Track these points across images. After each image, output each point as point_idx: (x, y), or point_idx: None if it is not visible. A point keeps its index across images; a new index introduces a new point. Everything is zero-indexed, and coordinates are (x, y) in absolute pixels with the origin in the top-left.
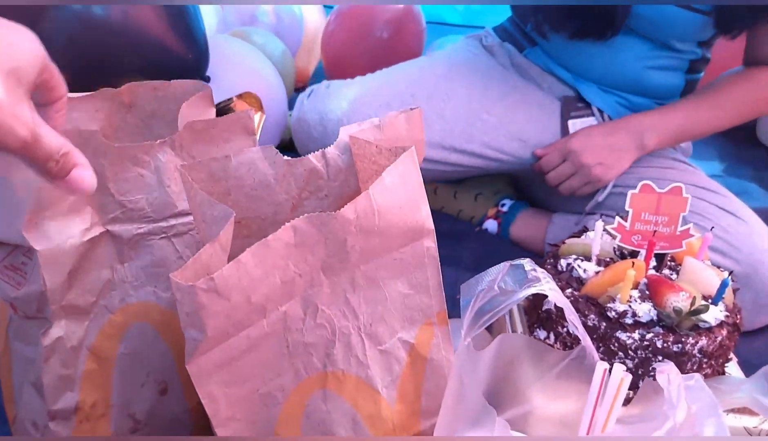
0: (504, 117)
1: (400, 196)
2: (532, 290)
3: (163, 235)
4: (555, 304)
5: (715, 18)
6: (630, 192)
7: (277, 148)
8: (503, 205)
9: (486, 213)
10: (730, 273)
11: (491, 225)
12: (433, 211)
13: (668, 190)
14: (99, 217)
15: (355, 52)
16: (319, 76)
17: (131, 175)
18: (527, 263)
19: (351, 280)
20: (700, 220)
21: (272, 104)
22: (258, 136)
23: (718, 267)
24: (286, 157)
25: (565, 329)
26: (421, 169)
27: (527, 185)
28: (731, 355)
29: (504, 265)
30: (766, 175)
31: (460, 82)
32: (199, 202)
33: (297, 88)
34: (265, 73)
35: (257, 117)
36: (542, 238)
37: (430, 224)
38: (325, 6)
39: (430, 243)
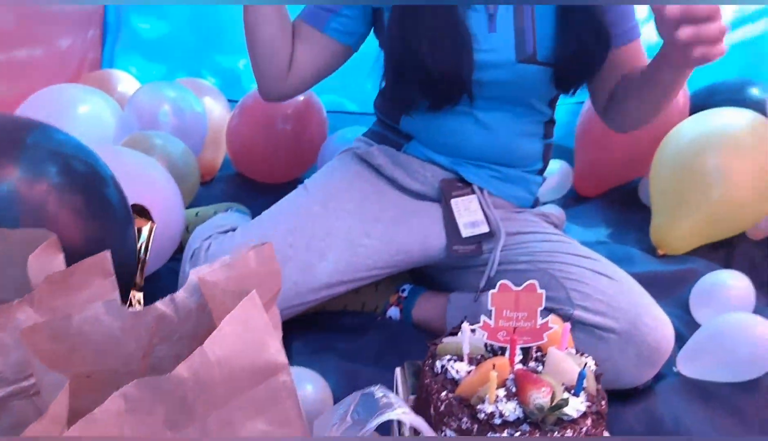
0: (384, 236)
1: (243, 341)
2: (384, 418)
3: (23, 395)
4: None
5: (554, 75)
6: (490, 292)
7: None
8: (403, 290)
9: (388, 300)
10: (586, 364)
11: (394, 312)
12: (336, 311)
13: (524, 287)
14: None
15: (259, 145)
16: (226, 166)
17: None
18: (378, 390)
19: (202, 429)
20: (578, 285)
21: (168, 211)
22: (150, 245)
23: (601, 329)
24: (131, 309)
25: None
26: (310, 301)
27: (420, 271)
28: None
29: (356, 395)
30: (647, 237)
31: (336, 215)
32: (37, 368)
33: (204, 181)
34: (159, 182)
35: (147, 227)
36: (443, 318)
37: (282, 359)
38: (229, 100)
39: (286, 377)
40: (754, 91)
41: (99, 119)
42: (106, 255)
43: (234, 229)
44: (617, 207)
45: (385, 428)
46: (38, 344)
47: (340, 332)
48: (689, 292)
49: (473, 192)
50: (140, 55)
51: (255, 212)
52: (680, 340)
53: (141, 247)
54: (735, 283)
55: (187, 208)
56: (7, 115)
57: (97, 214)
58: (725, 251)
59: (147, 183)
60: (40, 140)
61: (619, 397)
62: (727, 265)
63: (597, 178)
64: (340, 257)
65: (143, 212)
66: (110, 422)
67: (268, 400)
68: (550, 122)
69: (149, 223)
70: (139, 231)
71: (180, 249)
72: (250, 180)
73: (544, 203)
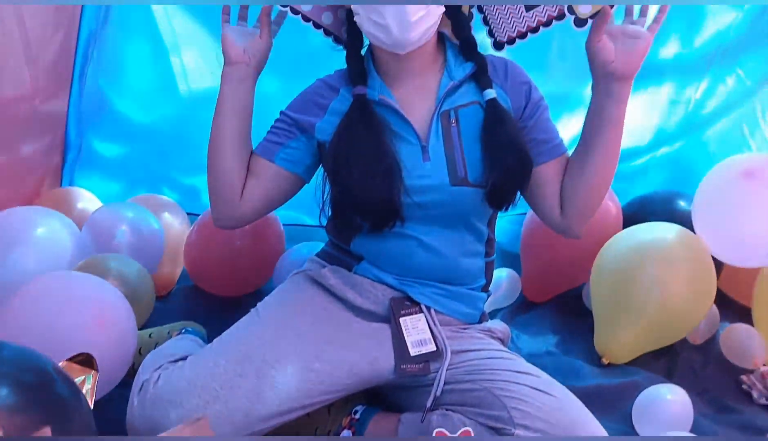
0: (335, 359)
1: None
2: None
3: None
4: None
5: (485, 195)
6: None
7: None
8: (356, 412)
9: (341, 423)
10: None
11: (347, 435)
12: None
13: (459, 433)
14: None
15: (216, 259)
16: (184, 278)
17: None
18: None
19: None
20: (519, 403)
21: (120, 334)
22: (92, 396)
23: None
24: None
25: None
26: (262, 429)
27: (374, 389)
28: None
29: None
30: (592, 346)
31: (288, 340)
32: None
33: (161, 296)
34: (113, 305)
35: (90, 378)
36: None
37: None
38: (188, 213)
39: None
40: (682, 204)
41: (56, 242)
42: None
43: (185, 358)
44: (565, 313)
45: None
46: None
47: None
48: (632, 405)
49: (421, 311)
50: (100, 173)
51: (211, 327)
52: None
53: (86, 394)
54: (674, 398)
55: (142, 327)
56: None
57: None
58: (667, 359)
59: (100, 307)
60: None
61: None
62: (670, 374)
63: (544, 284)
64: (291, 383)
65: (89, 362)
66: None
67: None
68: (490, 241)
69: (93, 374)
70: (84, 380)
71: (132, 372)
72: (207, 294)
73: (498, 309)
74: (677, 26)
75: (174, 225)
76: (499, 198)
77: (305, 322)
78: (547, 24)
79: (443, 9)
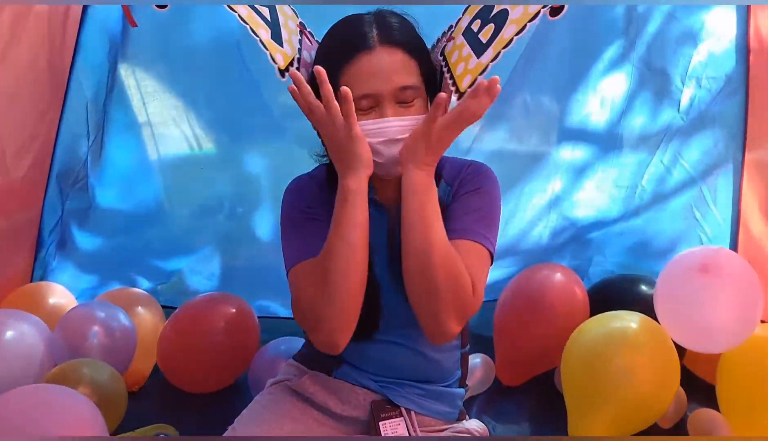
0: None
1: None
2: None
3: None
4: None
5: None
6: None
7: None
8: None
9: None
10: None
11: None
12: None
13: None
14: None
15: (190, 355)
16: (155, 374)
17: None
18: None
19: None
20: None
21: None
22: None
23: None
24: None
25: None
26: None
27: None
28: None
29: None
30: (566, 432)
31: None
32: None
33: (132, 390)
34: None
35: None
36: None
37: None
38: (164, 306)
39: None
40: (644, 288)
41: (25, 347)
42: None
43: None
44: (539, 397)
45: None
46: None
47: None
48: None
49: (401, 414)
50: (73, 265)
51: (183, 427)
52: None
53: None
54: None
55: (113, 431)
56: None
57: None
58: None
59: (70, 418)
60: None
61: None
62: None
63: (517, 368)
64: None
65: None
66: None
67: None
68: (464, 331)
69: None
70: None
71: None
72: (178, 390)
73: (474, 396)
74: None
75: (147, 319)
76: None
77: None
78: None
79: None
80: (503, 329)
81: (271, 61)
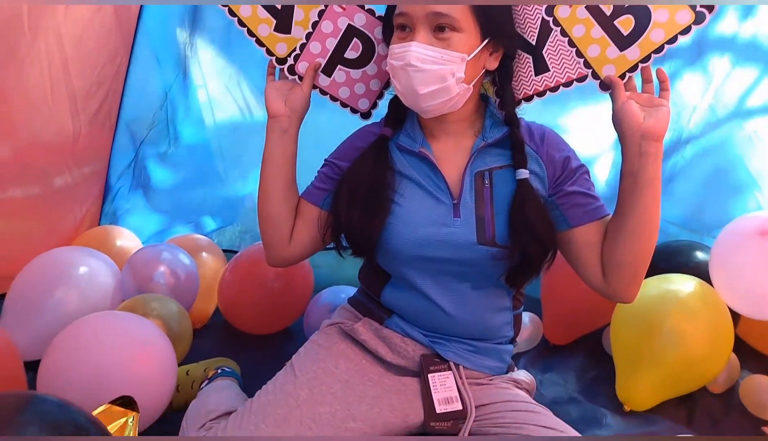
0: (368, 418)
1: None
2: None
3: None
4: None
5: (507, 266)
6: None
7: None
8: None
9: None
10: None
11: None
12: None
13: None
14: None
15: (247, 300)
16: (217, 315)
17: None
18: None
19: None
20: None
21: (161, 372)
22: (136, 432)
23: None
24: None
25: None
26: None
27: None
28: None
29: None
30: (614, 393)
31: (323, 399)
32: None
33: (195, 328)
34: (155, 344)
35: (132, 419)
36: None
37: None
38: (225, 251)
39: None
40: (699, 254)
41: (97, 281)
42: None
43: (227, 413)
44: (586, 357)
45: None
46: None
47: None
48: None
49: (449, 368)
50: (142, 208)
51: (243, 364)
52: None
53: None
54: None
55: (180, 363)
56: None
57: None
58: (688, 407)
59: (143, 346)
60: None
61: None
62: (690, 421)
63: (565, 328)
64: None
65: (130, 404)
66: None
67: None
68: (518, 295)
69: (134, 416)
70: (126, 422)
71: (169, 407)
72: (238, 331)
73: (521, 353)
74: None
75: (209, 263)
76: (513, 276)
77: (339, 380)
78: (567, 85)
79: (466, 87)
80: (552, 289)
81: (266, 54)
